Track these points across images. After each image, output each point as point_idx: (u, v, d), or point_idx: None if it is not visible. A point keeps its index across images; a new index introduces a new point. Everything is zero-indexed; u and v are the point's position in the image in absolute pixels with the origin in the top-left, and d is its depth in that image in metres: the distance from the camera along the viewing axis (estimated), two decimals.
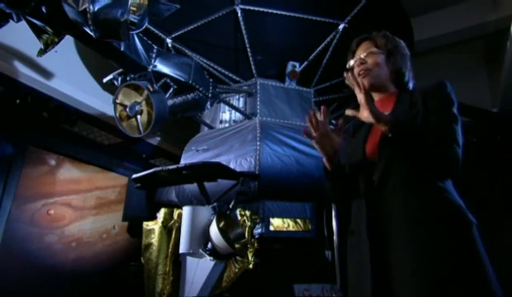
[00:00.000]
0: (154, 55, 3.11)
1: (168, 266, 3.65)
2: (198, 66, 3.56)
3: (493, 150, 4.37)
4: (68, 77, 3.94)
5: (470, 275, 1.09)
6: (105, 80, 3.32)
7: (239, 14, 3.67)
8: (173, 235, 3.70)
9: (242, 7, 3.63)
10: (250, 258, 3.21)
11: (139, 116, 2.96)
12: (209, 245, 2.62)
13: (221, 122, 4.35)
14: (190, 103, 3.57)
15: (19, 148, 3.78)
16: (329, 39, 4.02)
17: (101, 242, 4.55)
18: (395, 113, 1.37)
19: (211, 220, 2.68)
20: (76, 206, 4.33)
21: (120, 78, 3.19)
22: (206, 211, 2.78)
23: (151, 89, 2.89)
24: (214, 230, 2.61)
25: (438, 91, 1.32)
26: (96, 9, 2.00)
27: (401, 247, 1.17)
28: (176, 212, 3.80)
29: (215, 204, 2.79)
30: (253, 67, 4.10)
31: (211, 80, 3.76)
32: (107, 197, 4.74)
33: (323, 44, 4.07)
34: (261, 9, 3.67)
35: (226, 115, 4.37)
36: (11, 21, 2.25)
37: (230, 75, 4.28)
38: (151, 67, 3.07)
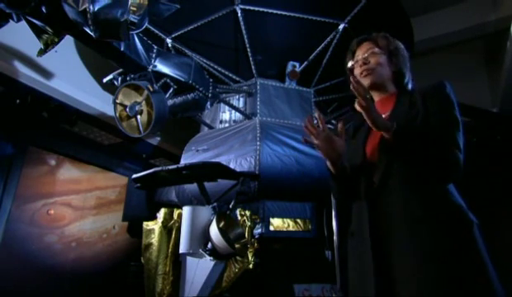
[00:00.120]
0: (154, 55, 3.11)
1: (168, 266, 3.65)
2: (198, 66, 3.56)
3: (493, 150, 4.37)
4: (68, 77, 3.94)
5: (471, 274, 1.09)
6: (105, 80, 3.32)
7: (239, 14, 3.67)
8: (173, 235, 3.69)
9: (242, 7, 3.63)
10: (250, 258, 3.21)
11: (139, 116, 2.96)
12: (209, 245, 2.62)
13: (221, 122, 4.35)
14: (190, 103, 3.57)
15: (19, 148, 3.78)
16: (329, 39, 4.03)
17: (101, 242, 4.55)
18: (395, 114, 1.37)
19: (211, 220, 2.68)
20: (76, 206, 4.33)
21: (120, 78, 3.19)
22: (206, 211, 2.78)
23: (151, 89, 2.89)
24: (214, 230, 2.61)
25: (437, 92, 1.32)
26: (96, 9, 2.00)
27: (402, 247, 1.17)
28: (176, 212, 3.79)
29: (215, 204, 2.79)
30: (253, 67, 4.10)
31: (211, 80, 3.76)
32: (107, 197, 4.74)
33: (323, 44, 4.07)
34: (261, 9, 3.67)
35: (226, 115, 4.37)
36: (11, 21, 2.24)
37: (230, 75, 4.28)
38: (151, 67, 3.07)
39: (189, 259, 3.34)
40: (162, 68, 3.17)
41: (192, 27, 3.84)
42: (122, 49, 2.76)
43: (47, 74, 3.72)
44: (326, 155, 1.35)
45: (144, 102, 2.94)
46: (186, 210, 2.84)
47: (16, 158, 3.75)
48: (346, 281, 1.35)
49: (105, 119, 4.25)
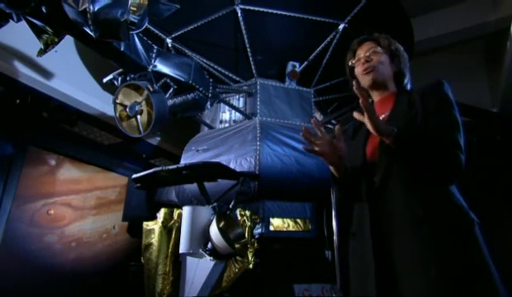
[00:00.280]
0: (154, 55, 3.11)
1: (168, 266, 3.65)
2: (198, 66, 3.56)
3: (493, 150, 4.36)
4: (68, 77, 3.94)
5: (473, 274, 1.09)
6: (105, 80, 3.32)
7: (239, 14, 3.67)
8: (173, 235, 3.69)
9: (242, 7, 3.63)
10: (250, 258, 3.21)
11: (139, 116, 2.96)
12: (209, 245, 2.62)
13: (221, 122, 4.35)
14: (190, 103, 3.57)
15: (19, 148, 3.78)
16: (329, 39, 4.03)
17: (101, 242, 4.55)
18: (394, 114, 1.37)
19: (211, 220, 2.68)
20: (76, 206, 4.33)
21: (120, 78, 3.19)
22: (206, 211, 2.78)
23: (151, 89, 2.89)
24: (214, 230, 2.61)
25: (435, 91, 1.33)
26: (96, 9, 2.00)
27: (404, 247, 1.17)
28: (176, 212, 3.79)
29: (215, 204, 2.79)
30: (253, 67, 4.10)
31: (211, 80, 3.76)
32: (107, 197, 4.74)
33: (323, 44, 4.07)
34: (261, 9, 3.67)
35: (226, 115, 4.37)
36: (11, 21, 2.24)
37: (230, 75, 4.28)
38: (151, 67, 3.07)
39: (189, 259, 3.34)
40: (162, 68, 3.17)
41: (192, 27, 3.84)
42: (122, 49, 2.76)
43: (47, 74, 3.72)
44: (328, 159, 1.34)
45: (144, 102, 2.94)
46: (186, 210, 2.84)
47: (16, 158, 3.75)
48: (346, 281, 1.35)
49: (105, 119, 4.25)
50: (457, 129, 1.25)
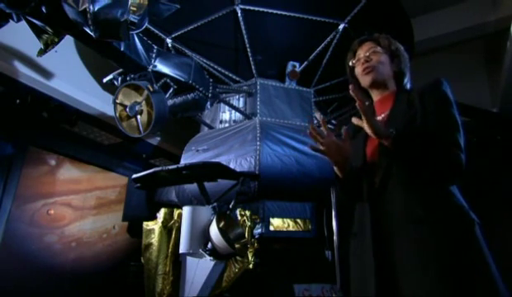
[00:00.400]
0: (154, 55, 3.12)
1: (168, 266, 3.65)
2: (198, 66, 3.56)
3: (493, 150, 4.36)
4: (68, 77, 3.94)
5: (473, 274, 1.09)
6: (105, 80, 3.32)
7: (239, 14, 3.67)
8: (173, 235, 3.69)
9: (242, 7, 3.63)
10: (250, 258, 3.21)
11: (139, 116, 2.96)
12: (209, 245, 2.62)
13: (221, 122, 4.35)
14: (190, 103, 3.57)
15: (19, 148, 3.78)
16: (329, 39, 4.03)
17: (101, 242, 4.55)
18: (394, 113, 1.38)
19: (211, 220, 2.68)
20: (76, 206, 4.33)
21: (120, 78, 3.19)
22: (206, 211, 2.78)
23: (151, 89, 2.90)
24: (214, 230, 2.61)
25: (434, 90, 1.33)
26: (96, 9, 2.00)
27: (404, 247, 1.17)
28: (176, 212, 3.79)
29: (215, 204, 2.79)
30: (253, 67, 4.10)
31: (211, 80, 3.76)
32: (107, 197, 4.74)
33: (323, 44, 4.07)
34: (261, 9, 3.67)
35: (226, 115, 4.37)
36: (11, 21, 2.24)
37: (230, 75, 4.28)
38: (151, 67, 3.07)
39: (189, 259, 3.34)
40: (162, 68, 3.17)
41: (192, 27, 3.84)
42: (122, 49, 2.76)
43: (47, 74, 3.72)
44: (333, 160, 1.34)
45: (144, 102, 2.94)
46: (186, 210, 2.84)
47: (16, 158, 3.75)
48: (346, 281, 1.35)
49: (105, 119, 4.25)
50: (457, 129, 1.25)
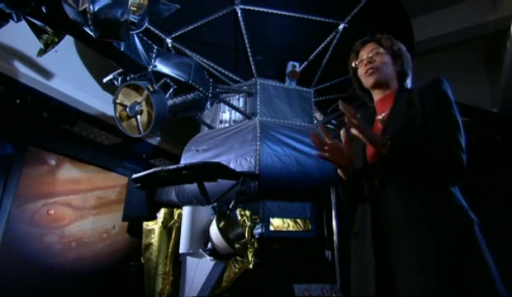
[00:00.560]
0: (154, 55, 3.12)
1: (168, 266, 3.65)
2: (198, 66, 3.56)
3: (493, 150, 4.37)
4: (68, 77, 3.94)
5: (473, 273, 1.09)
6: (105, 80, 3.32)
7: (239, 14, 3.67)
8: (173, 235, 3.70)
9: (242, 7, 3.63)
10: (250, 258, 3.21)
11: (139, 116, 2.97)
12: (209, 245, 2.62)
13: (221, 122, 4.35)
14: (190, 103, 3.57)
15: (19, 148, 3.78)
16: (329, 39, 4.03)
17: (101, 242, 4.55)
18: (393, 113, 1.38)
19: (211, 220, 2.68)
20: (76, 206, 4.33)
21: (120, 78, 3.20)
22: (206, 211, 2.78)
23: (151, 89, 2.90)
24: (214, 230, 2.61)
25: (434, 89, 1.33)
26: (96, 9, 2.00)
27: (403, 247, 1.18)
28: (176, 212, 3.79)
29: (215, 204, 2.79)
30: (253, 67, 4.10)
31: (211, 80, 3.76)
32: (107, 197, 4.74)
33: (323, 44, 4.07)
34: (261, 9, 3.67)
35: (226, 115, 4.37)
36: (11, 21, 2.25)
37: (230, 75, 4.28)
38: (151, 67, 3.08)
39: (189, 259, 3.34)
40: (162, 68, 3.17)
41: (192, 27, 3.84)
42: (122, 49, 2.76)
43: (47, 74, 3.72)
44: (337, 163, 1.34)
45: (144, 102, 2.94)
46: (186, 210, 2.84)
47: (16, 158, 3.75)
48: (346, 281, 1.35)
49: (105, 119, 4.25)
50: (458, 129, 1.25)
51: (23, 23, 2.28)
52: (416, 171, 1.24)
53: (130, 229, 4.75)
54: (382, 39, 1.51)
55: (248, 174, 3.23)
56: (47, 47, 2.42)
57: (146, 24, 2.44)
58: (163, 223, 3.79)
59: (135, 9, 2.28)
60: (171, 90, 3.33)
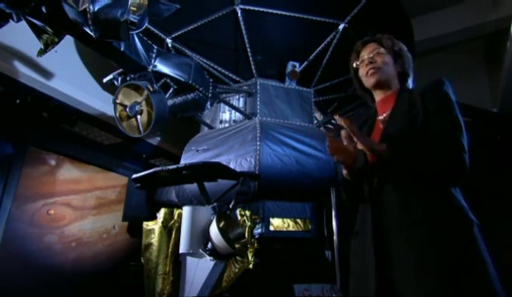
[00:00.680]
0: (154, 55, 3.12)
1: (168, 266, 3.65)
2: (198, 66, 3.56)
3: (493, 150, 4.36)
4: (68, 77, 3.94)
5: (471, 274, 1.09)
6: (105, 80, 3.32)
7: (239, 14, 3.67)
8: (173, 235, 3.70)
9: (242, 7, 3.63)
10: (250, 258, 3.21)
11: (139, 116, 2.97)
12: (209, 245, 2.62)
13: (221, 122, 4.35)
14: (190, 103, 3.57)
15: (19, 148, 3.78)
16: (329, 39, 4.03)
17: (101, 242, 4.55)
18: (394, 114, 1.38)
19: (211, 220, 2.68)
20: (76, 206, 4.33)
21: (120, 78, 3.19)
22: (206, 211, 2.78)
23: (151, 89, 2.90)
24: (214, 230, 2.61)
25: (435, 90, 1.33)
26: (96, 9, 2.00)
27: (402, 247, 1.18)
28: (176, 212, 3.80)
29: (215, 204, 2.79)
30: (253, 67, 4.10)
31: (211, 80, 3.76)
32: (107, 197, 4.74)
33: (323, 44, 4.07)
34: (261, 9, 3.67)
35: (226, 115, 4.37)
36: (11, 21, 2.25)
37: (230, 75, 4.28)
38: (151, 67, 3.08)
39: (189, 259, 3.34)
40: (162, 68, 3.17)
41: (192, 27, 3.84)
42: (122, 49, 2.76)
43: (47, 74, 3.72)
44: (343, 162, 1.35)
45: (144, 102, 2.94)
46: (186, 210, 2.84)
47: (16, 158, 3.75)
48: (346, 281, 1.35)
49: (105, 119, 4.25)
50: (460, 130, 1.26)
51: (23, 23, 2.28)
52: (416, 172, 1.24)
53: (130, 229, 4.75)
54: (383, 39, 1.51)
55: (248, 174, 3.23)
56: (47, 47, 2.42)
57: (146, 24, 2.44)
58: (163, 223, 3.80)
59: (135, 9, 2.28)
60: (171, 90, 3.33)
